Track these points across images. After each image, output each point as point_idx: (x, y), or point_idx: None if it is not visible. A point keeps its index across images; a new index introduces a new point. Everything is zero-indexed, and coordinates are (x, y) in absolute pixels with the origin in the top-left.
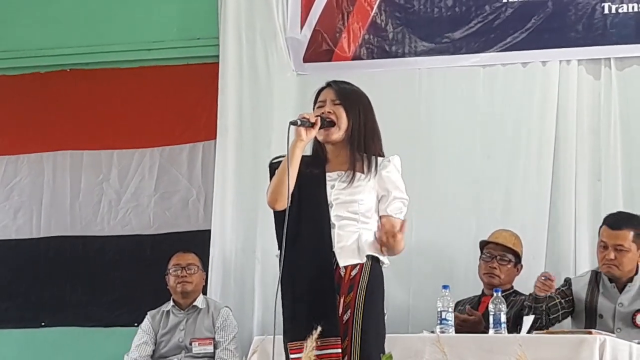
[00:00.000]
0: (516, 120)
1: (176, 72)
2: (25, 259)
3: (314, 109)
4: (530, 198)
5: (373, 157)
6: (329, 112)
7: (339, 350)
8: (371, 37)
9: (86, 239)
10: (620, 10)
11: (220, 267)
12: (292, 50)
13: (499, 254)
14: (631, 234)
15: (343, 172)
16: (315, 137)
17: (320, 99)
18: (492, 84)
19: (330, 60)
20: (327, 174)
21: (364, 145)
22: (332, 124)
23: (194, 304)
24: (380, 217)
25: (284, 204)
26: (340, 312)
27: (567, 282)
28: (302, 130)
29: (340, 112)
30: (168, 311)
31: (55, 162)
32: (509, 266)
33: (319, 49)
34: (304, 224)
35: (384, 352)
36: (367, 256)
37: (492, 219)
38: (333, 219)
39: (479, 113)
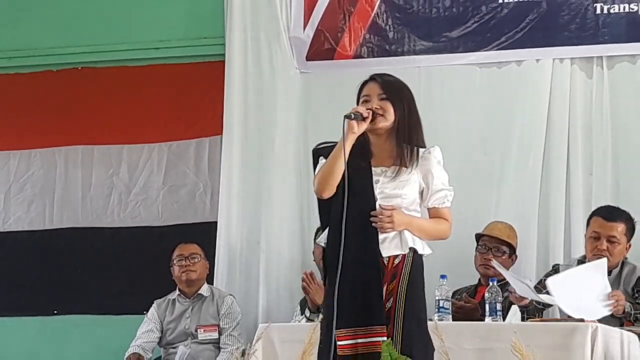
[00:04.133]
0: (510, 117)
1: (183, 70)
2: (38, 249)
3: (357, 103)
4: (522, 191)
5: (415, 149)
6: (377, 108)
7: (385, 339)
8: (372, 36)
9: (97, 230)
10: (612, 11)
11: (226, 258)
12: (295, 49)
13: (494, 246)
14: (623, 226)
15: (387, 168)
16: None
17: (364, 92)
18: (487, 82)
19: (332, 58)
20: (373, 169)
21: (408, 137)
22: (379, 115)
23: (199, 292)
24: (428, 211)
25: (331, 192)
26: (384, 299)
27: (555, 269)
28: (354, 123)
29: (387, 107)
30: (174, 300)
31: (67, 157)
32: (503, 257)
33: (322, 48)
34: (350, 215)
35: (427, 339)
36: (410, 248)
37: (486, 211)
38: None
39: (475, 110)
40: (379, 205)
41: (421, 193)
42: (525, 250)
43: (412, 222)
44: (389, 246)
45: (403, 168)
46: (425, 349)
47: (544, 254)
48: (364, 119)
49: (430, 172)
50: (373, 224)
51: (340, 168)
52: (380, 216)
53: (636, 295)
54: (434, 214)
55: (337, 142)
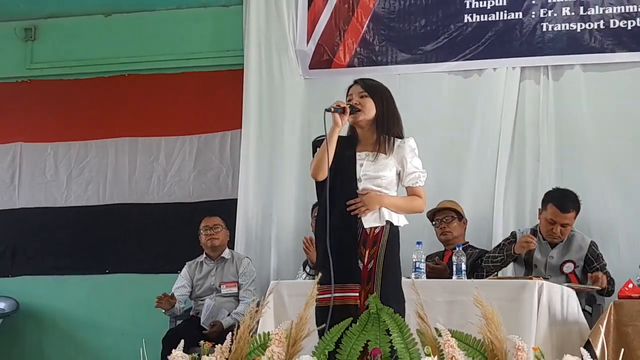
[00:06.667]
0: (472, 115)
1: (210, 76)
2: (93, 220)
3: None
4: (479, 176)
5: (392, 139)
6: (356, 103)
7: (357, 294)
8: (362, 49)
9: (140, 205)
10: (555, 29)
11: (244, 228)
12: (300, 59)
13: (444, 216)
14: (574, 213)
15: (369, 153)
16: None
17: (349, 93)
18: (454, 86)
19: (329, 67)
20: (357, 154)
21: (387, 128)
22: (357, 110)
23: (222, 255)
24: (406, 189)
25: (323, 176)
26: (366, 261)
27: (514, 235)
28: (338, 117)
29: (366, 102)
30: (202, 262)
31: (117, 147)
32: (455, 223)
33: (321, 59)
34: (337, 193)
35: (401, 293)
36: (386, 221)
37: (450, 191)
38: (361, 190)
39: (444, 109)
40: (358, 192)
41: (399, 175)
42: (482, 222)
43: (384, 200)
44: (370, 219)
45: (381, 154)
46: (399, 300)
47: (496, 225)
48: (342, 110)
49: (404, 158)
50: (352, 213)
51: (330, 155)
52: (355, 205)
53: (591, 266)
54: (409, 192)
55: None
